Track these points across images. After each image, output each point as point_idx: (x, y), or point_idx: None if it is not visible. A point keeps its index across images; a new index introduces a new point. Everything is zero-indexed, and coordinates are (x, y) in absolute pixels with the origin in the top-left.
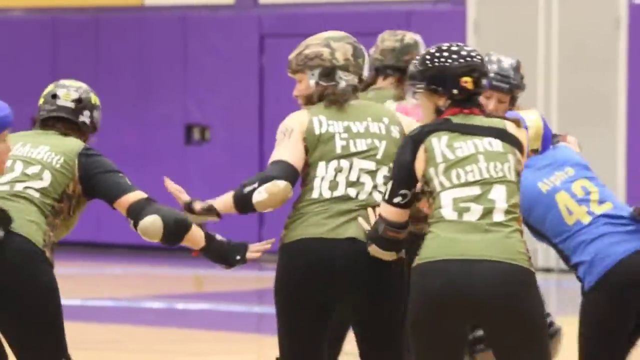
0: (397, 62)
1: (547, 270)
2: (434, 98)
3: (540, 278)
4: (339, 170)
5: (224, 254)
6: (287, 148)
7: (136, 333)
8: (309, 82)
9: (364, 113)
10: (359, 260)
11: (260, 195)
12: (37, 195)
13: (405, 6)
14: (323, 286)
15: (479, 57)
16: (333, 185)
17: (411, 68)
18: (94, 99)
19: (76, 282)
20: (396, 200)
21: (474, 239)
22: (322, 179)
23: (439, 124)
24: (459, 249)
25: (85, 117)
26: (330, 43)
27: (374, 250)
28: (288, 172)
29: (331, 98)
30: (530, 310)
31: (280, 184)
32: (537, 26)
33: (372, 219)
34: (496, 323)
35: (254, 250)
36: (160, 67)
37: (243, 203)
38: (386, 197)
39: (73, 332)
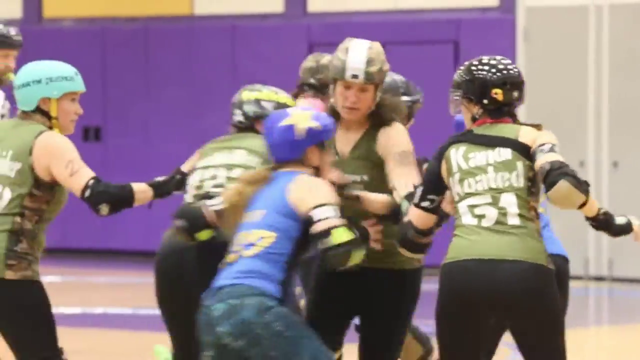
0: (310, 78)
1: (599, 278)
2: (470, 106)
3: (592, 287)
4: None
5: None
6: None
7: None
8: (376, 96)
9: None
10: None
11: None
12: None
13: (454, 14)
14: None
15: (515, 71)
16: None
17: (455, 77)
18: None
19: (129, 291)
20: (424, 204)
21: (494, 240)
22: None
23: (461, 136)
24: (481, 249)
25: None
26: (385, 60)
27: (404, 252)
28: None
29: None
30: (549, 306)
31: None
32: (587, 34)
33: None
34: (518, 319)
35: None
36: (209, 76)
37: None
38: (415, 201)
39: (126, 340)
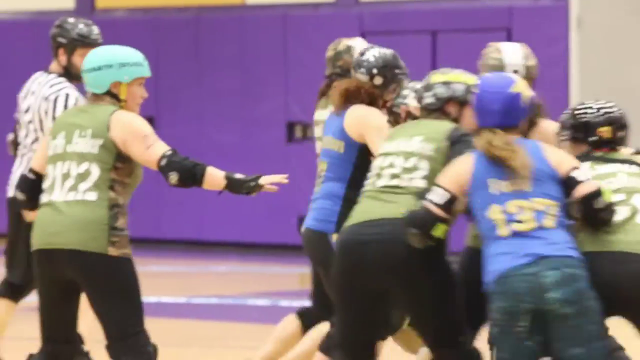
0: (333, 69)
1: None
2: (576, 147)
3: None
4: None
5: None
6: None
7: (241, 330)
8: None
9: None
10: None
11: None
12: (422, 184)
13: (506, 2)
14: None
15: (619, 112)
16: None
17: (561, 118)
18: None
19: (182, 280)
20: None
21: (621, 236)
22: None
23: (581, 156)
24: (607, 243)
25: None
26: None
27: None
28: None
29: None
30: None
31: None
32: None
33: None
34: None
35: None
36: (261, 66)
37: None
38: None
39: (179, 329)
